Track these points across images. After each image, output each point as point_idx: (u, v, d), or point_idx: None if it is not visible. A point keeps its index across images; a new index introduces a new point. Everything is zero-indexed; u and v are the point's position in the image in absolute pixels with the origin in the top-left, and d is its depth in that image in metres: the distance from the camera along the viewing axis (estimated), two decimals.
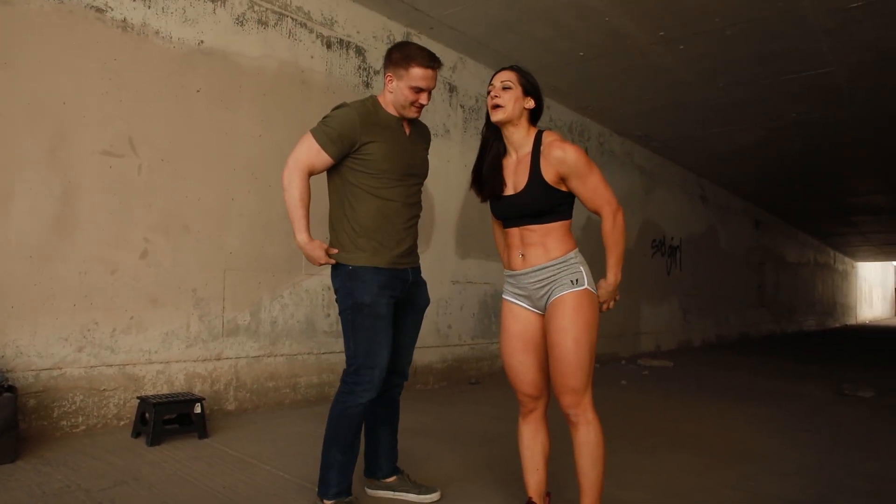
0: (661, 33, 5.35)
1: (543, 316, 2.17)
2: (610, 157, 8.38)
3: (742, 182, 11.90)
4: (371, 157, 2.38)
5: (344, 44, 4.78)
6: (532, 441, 2.25)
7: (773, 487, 2.89)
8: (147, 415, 3.28)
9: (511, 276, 2.23)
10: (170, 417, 3.35)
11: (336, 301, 2.45)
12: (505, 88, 2.14)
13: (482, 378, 5.92)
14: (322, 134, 2.34)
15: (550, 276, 2.12)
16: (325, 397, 4.50)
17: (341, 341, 4.60)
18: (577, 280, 2.10)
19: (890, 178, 11.03)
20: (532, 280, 2.15)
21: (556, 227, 2.15)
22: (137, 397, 3.45)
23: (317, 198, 2.51)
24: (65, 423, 3.27)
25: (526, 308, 2.20)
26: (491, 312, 6.16)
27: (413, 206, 2.52)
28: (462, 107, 5.91)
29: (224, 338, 3.98)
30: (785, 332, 16.94)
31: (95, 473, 2.71)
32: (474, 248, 5.97)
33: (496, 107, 2.14)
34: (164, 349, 3.70)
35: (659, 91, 6.82)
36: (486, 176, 2.23)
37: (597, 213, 2.18)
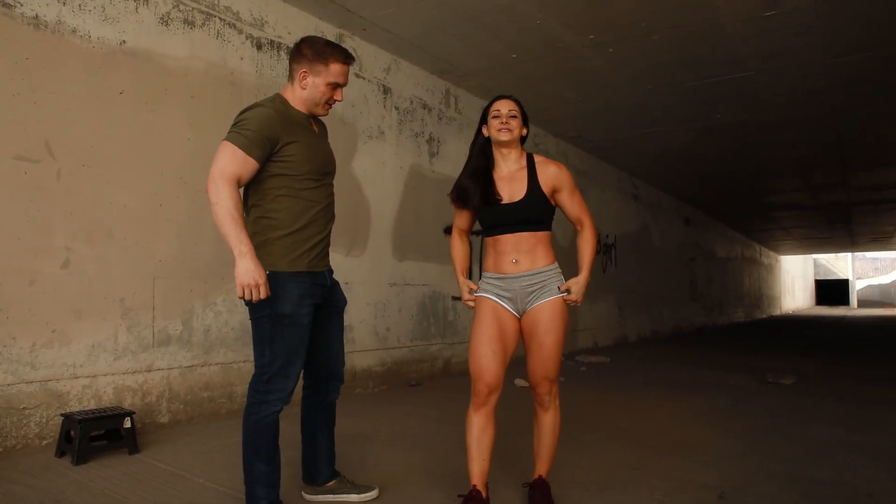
0: (591, 37, 5.49)
1: (519, 319, 2.46)
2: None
3: (672, 181, 12.35)
4: (293, 157, 2.30)
5: (275, 45, 4.70)
6: (481, 434, 2.41)
7: (698, 476, 3.02)
8: (72, 432, 3.13)
9: (499, 278, 2.45)
10: (97, 434, 3.21)
11: (246, 304, 2.27)
12: (512, 117, 2.46)
13: (423, 380, 5.93)
14: (243, 139, 2.21)
15: (541, 281, 2.43)
16: None
17: None
18: (560, 287, 2.46)
19: (807, 176, 11.68)
20: (524, 283, 2.42)
21: (545, 236, 2.49)
22: (61, 414, 3.29)
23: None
24: None
25: (506, 308, 2.44)
26: (430, 314, 6.18)
27: (331, 205, 2.50)
28: (397, 109, 5.91)
29: (155, 348, 3.85)
30: (716, 325, 17.67)
31: (14, 498, 2.58)
32: (411, 250, 5.98)
33: (505, 130, 2.44)
34: (89, 363, 3.54)
35: (591, 93, 7.00)
36: (477, 185, 2.47)
37: (578, 223, 2.58)
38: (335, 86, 2.38)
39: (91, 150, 3.58)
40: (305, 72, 2.35)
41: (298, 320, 2.30)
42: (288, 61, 2.47)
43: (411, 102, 6.09)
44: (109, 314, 3.64)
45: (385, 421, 4.15)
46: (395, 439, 3.67)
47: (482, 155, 2.53)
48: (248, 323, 4.39)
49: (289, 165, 2.31)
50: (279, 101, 2.37)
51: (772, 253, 29.14)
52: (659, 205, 13.26)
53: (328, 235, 2.48)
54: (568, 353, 8.74)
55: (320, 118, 2.54)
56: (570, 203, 2.53)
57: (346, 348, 5.03)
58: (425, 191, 6.20)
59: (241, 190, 2.30)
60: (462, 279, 2.60)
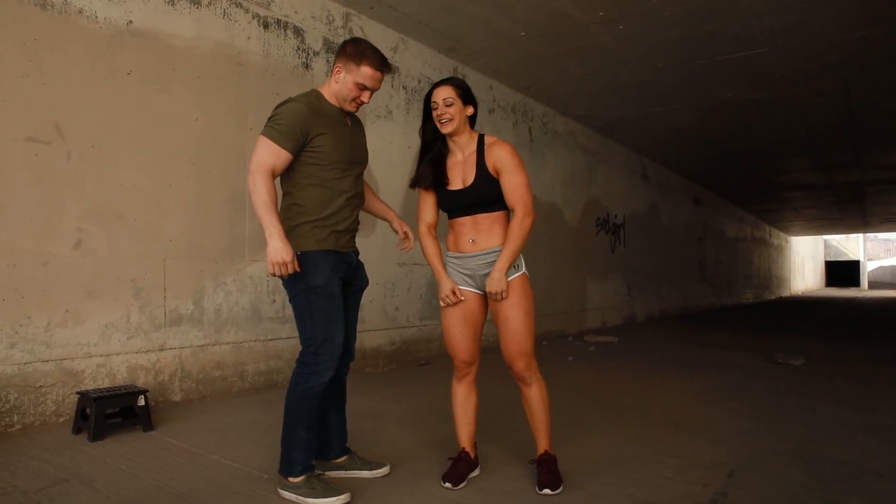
0: (601, 13, 5.42)
1: (482, 295, 2.57)
2: (553, 136, 8.48)
3: (681, 160, 12.26)
4: (322, 149, 2.45)
5: (282, 24, 4.67)
6: (465, 401, 2.63)
7: (706, 453, 3.04)
8: (88, 410, 3.19)
9: (459, 257, 2.57)
10: (112, 411, 3.26)
11: (284, 286, 2.48)
12: (448, 105, 2.48)
13: (432, 359, 5.97)
14: (275, 132, 2.36)
15: (496, 260, 2.48)
16: (273, 384, 4.47)
17: (288, 327, 4.58)
18: (517, 265, 2.53)
19: (819, 155, 11.56)
20: (481, 262, 2.52)
21: (502, 216, 2.55)
22: (77, 392, 3.35)
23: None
24: None
25: (467, 289, 2.57)
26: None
27: (359, 194, 2.64)
28: (405, 88, 5.88)
29: (167, 328, 3.89)
30: (724, 305, 17.63)
31: (33, 473, 2.63)
32: None
33: (444, 121, 2.49)
34: (103, 342, 3.59)
35: (600, 71, 6.93)
36: (430, 170, 2.58)
37: (512, 209, 2.52)
38: (363, 87, 2.49)
39: (100, 131, 3.59)
40: (340, 67, 2.48)
41: (331, 290, 2.44)
42: (300, 42, 2.55)
43: (419, 82, 6.05)
44: (121, 294, 3.67)
45: (394, 399, 4.18)
46: (405, 417, 3.70)
47: (436, 141, 2.60)
48: (259, 303, 4.45)
49: (318, 156, 2.45)
50: (313, 96, 2.50)
51: (782, 234, 28.95)
52: (668, 184, 13.18)
53: (355, 221, 2.62)
54: (576, 332, 8.76)
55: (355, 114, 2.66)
56: (508, 185, 2.49)
57: (359, 327, 5.09)
58: None
59: (277, 179, 2.46)
60: (444, 278, 2.58)
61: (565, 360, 6.25)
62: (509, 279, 2.48)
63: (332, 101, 2.53)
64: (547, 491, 2.45)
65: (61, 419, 3.37)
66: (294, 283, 2.42)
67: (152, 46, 3.86)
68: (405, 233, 2.83)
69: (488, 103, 7.09)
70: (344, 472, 2.66)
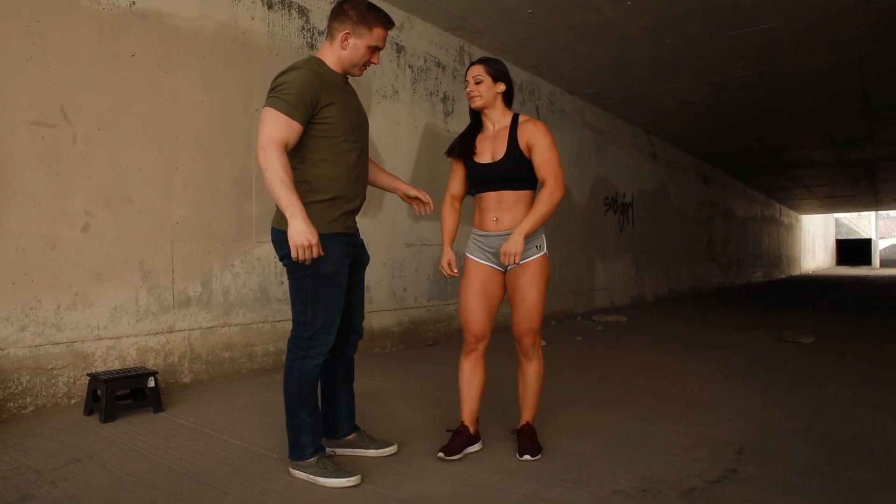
0: None
1: (503, 273, 2.65)
2: (561, 115, 8.41)
3: (690, 138, 12.13)
4: (331, 119, 2.34)
5: (286, 4, 4.62)
6: (471, 376, 2.69)
7: (715, 431, 3.03)
8: (99, 391, 3.21)
9: (483, 235, 2.64)
10: (123, 393, 3.29)
11: (287, 264, 2.37)
12: (478, 83, 2.60)
13: (440, 339, 5.98)
14: (284, 103, 2.22)
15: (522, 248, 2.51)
16: (282, 365, 4.47)
17: None
18: (540, 246, 2.62)
19: (831, 132, 11.40)
20: (504, 241, 2.55)
21: (526, 195, 2.61)
22: (88, 374, 3.37)
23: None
24: (11, 404, 3.18)
25: (489, 265, 2.65)
26: None
27: (366, 167, 2.56)
28: (410, 67, 5.82)
29: (175, 310, 3.91)
30: (733, 285, 17.56)
31: (46, 453, 2.66)
32: None
33: (473, 97, 2.61)
34: (112, 324, 3.61)
35: (607, 47, 6.83)
36: (461, 142, 2.70)
37: (543, 181, 2.56)
38: (375, 49, 2.43)
39: (106, 113, 3.58)
40: (348, 33, 2.37)
41: (340, 279, 2.39)
42: (328, 21, 2.47)
43: (425, 61, 5.99)
44: (130, 277, 3.69)
45: (402, 379, 4.20)
46: (413, 397, 3.72)
47: (474, 116, 2.72)
48: (266, 284, 4.46)
49: (327, 128, 2.34)
50: (315, 63, 2.37)
51: (792, 212, 28.71)
52: (677, 163, 13.06)
53: (363, 198, 2.54)
54: (585, 312, 8.75)
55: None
56: (540, 159, 2.56)
57: (368, 308, 5.09)
58: (440, 150, 6.11)
59: None
60: (447, 249, 2.71)
61: (573, 340, 6.25)
62: (532, 258, 2.58)
63: (336, 67, 2.42)
64: (527, 457, 2.58)
65: (73, 401, 3.40)
66: (300, 266, 2.30)
67: (156, 28, 3.82)
68: (417, 197, 2.75)
69: None
70: (352, 449, 2.67)
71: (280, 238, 2.38)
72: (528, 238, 2.53)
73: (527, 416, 2.72)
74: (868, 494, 2.25)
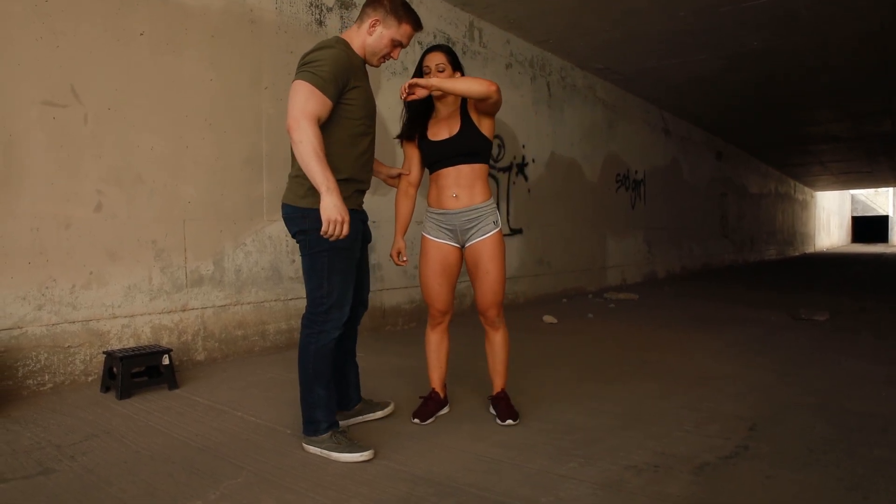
0: None
1: (461, 249, 2.76)
2: (572, 91, 8.31)
3: (703, 113, 11.96)
4: (354, 102, 2.37)
5: None
6: (438, 346, 2.88)
7: (728, 407, 3.03)
8: (115, 369, 3.26)
9: (441, 213, 2.72)
10: (138, 370, 3.33)
11: (301, 240, 2.41)
12: (441, 70, 2.64)
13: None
14: (318, 78, 2.22)
15: (478, 216, 2.68)
16: (295, 343, 4.52)
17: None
18: (496, 221, 2.73)
19: (847, 106, 11.19)
20: (463, 219, 2.69)
21: (482, 170, 2.71)
22: (104, 352, 3.42)
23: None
24: (31, 381, 3.23)
25: (447, 243, 2.75)
26: None
27: (373, 153, 2.60)
28: (420, 43, 5.75)
29: (188, 288, 3.94)
30: (747, 262, 17.43)
31: (65, 429, 2.71)
32: None
33: None
34: (127, 303, 3.64)
35: (618, 21, 6.72)
36: (414, 123, 2.75)
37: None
38: (398, 44, 2.47)
39: (115, 93, 3.58)
40: (377, 20, 2.41)
41: (354, 254, 2.46)
42: (362, 5, 2.50)
43: (434, 36, 5.92)
44: (143, 256, 3.71)
45: (414, 356, 4.21)
46: (423, 373, 3.72)
47: (423, 101, 2.70)
48: (278, 262, 4.47)
49: (349, 109, 2.37)
50: (343, 44, 2.39)
51: (807, 189, 28.35)
52: (689, 138, 12.91)
53: (369, 180, 2.62)
54: (596, 290, 8.74)
55: None
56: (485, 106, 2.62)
57: (376, 286, 5.10)
58: None
59: None
60: (399, 238, 2.84)
61: (585, 317, 6.24)
62: (489, 234, 2.68)
63: (359, 52, 2.45)
64: (510, 421, 2.73)
65: (90, 378, 3.45)
66: (317, 241, 2.32)
67: (164, 6, 3.80)
68: (399, 174, 2.85)
69: (505, 58, 6.94)
70: (361, 416, 2.80)
71: (294, 214, 2.40)
72: (485, 214, 2.68)
73: (500, 383, 2.87)
74: (882, 470, 2.25)
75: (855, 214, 45.80)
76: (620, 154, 9.74)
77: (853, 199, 44.81)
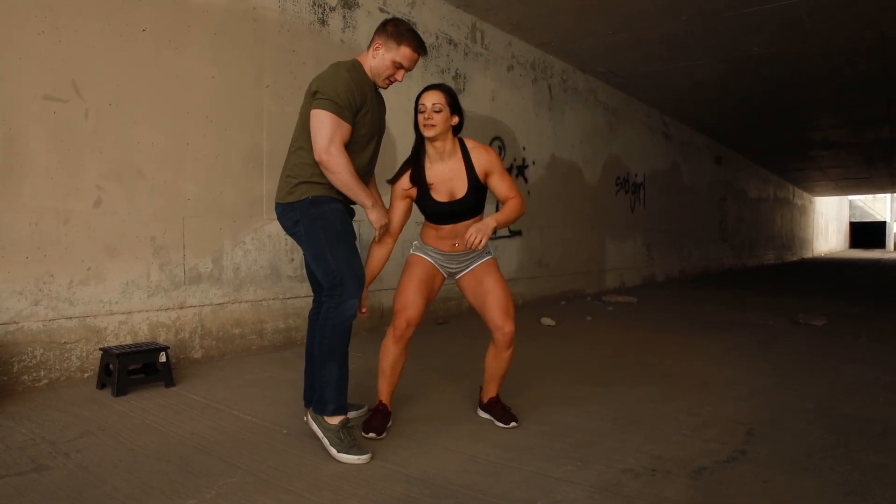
0: None
1: (444, 278, 2.79)
2: (574, 94, 8.31)
3: (704, 118, 11.97)
4: (360, 122, 2.52)
5: None
6: (396, 361, 2.71)
7: (726, 411, 3.02)
8: (111, 365, 3.24)
9: (439, 253, 2.71)
10: (135, 367, 3.32)
11: (297, 232, 2.54)
12: (437, 111, 2.51)
13: (450, 318, 5.99)
14: (336, 106, 2.39)
15: (475, 255, 2.74)
16: (292, 342, 4.52)
17: (307, 286, 4.61)
18: (489, 251, 2.80)
19: (848, 112, 11.20)
20: (463, 259, 2.73)
21: (481, 217, 2.70)
22: (100, 348, 3.41)
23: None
24: (26, 377, 3.22)
25: (434, 264, 2.74)
26: None
27: (370, 171, 2.72)
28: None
29: (186, 286, 3.93)
30: (745, 266, 17.44)
31: (60, 425, 2.70)
32: None
33: (428, 125, 2.52)
34: (124, 299, 3.63)
35: (621, 25, 6.72)
36: (411, 171, 2.64)
37: (507, 200, 2.65)
38: (399, 66, 2.57)
39: (117, 89, 3.57)
40: (380, 45, 2.55)
41: (348, 229, 2.56)
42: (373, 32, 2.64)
43: (437, 38, 5.92)
44: (141, 252, 3.70)
45: (412, 357, 4.19)
46: (422, 375, 3.73)
47: (420, 143, 2.64)
48: (277, 261, 4.46)
49: (355, 128, 2.50)
50: (357, 69, 2.54)
51: (805, 194, 28.38)
52: (690, 142, 12.91)
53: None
54: (595, 292, 8.73)
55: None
56: (500, 185, 2.65)
57: (375, 286, 5.09)
58: None
59: (296, 130, 2.58)
60: (364, 290, 2.59)
61: (584, 320, 6.24)
62: (483, 260, 2.73)
63: (369, 74, 2.59)
64: (514, 424, 2.73)
65: (86, 374, 3.44)
66: (310, 224, 2.47)
67: (167, 3, 3.79)
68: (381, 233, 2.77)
69: (507, 60, 6.93)
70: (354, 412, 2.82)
71: (288, 211, 2.54)
72: (482, 252, 2.74)
73: (495, 390, 2.85)
74: (880, 475, 2.24)
75: (853, 220, 45.84)
76: (621, 157, 9.74)
77: (851, 205, 44.83)
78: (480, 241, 2.45)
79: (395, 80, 2.61)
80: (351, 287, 2.45)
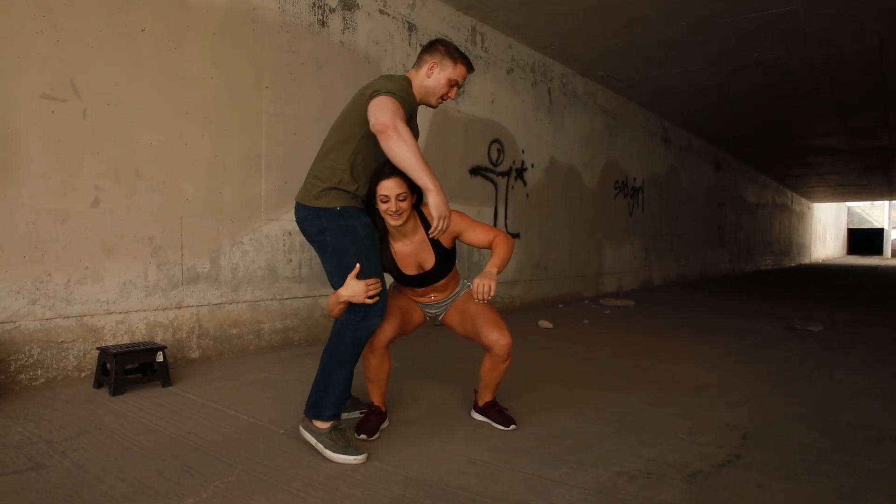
0: None
1: (424, 317, 2.84)
2: (573, 97, 8.33)
3: (703, 123, 11.99)
4: None
5: None
6: (379, 367, 2.69)
7: (721, 416, 3.03)
8: (108, 365, 3.24)
9: (418, 302, 2.78)
10: (132, 367, 3.32)
11: (321, 241, 2.48)
12: (401, 200, 2.44)
13: None
14: (401, 98, 2.39)
15: (451, 301, 2.80)
16: (290, 343, 4.52)
17: (304, 286, 4.62)
18: (465, 283, 2.86)
19: (847, 120, 11.23)
20: (441, 307, 2.80)
21: (454, 272, 2.75)
22: (97, 348, 3.41)
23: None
24: (23, 376, 3.21)
25: (419, 306, 2.81)
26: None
27: None
28: (422, 46, 5.76)
29: (184, 286, 3.93)
30: (743, 271, 17.46)
31: (57, 424, 2.69)
32: None
33: (397, 216, 2.47)
34: (122, 299, 3.63)
35: (621, 29, 6.74)
36: (388, 261, 2.64)
37: (492, 243, 2.60)
38: (454, 84, 2.63)
39: (116, 88, 3.57)
40: (435, 64, 2.60)
41: (376, 241, 2.53)
42: (419, 54, 2.67)
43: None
44: (139, 252, 3.70)
45: (409, 359, 4.21)
46: (417, 376, 3.73)
47: (381, 223, 2.58)
48: (275, 262, 4.46)
49: None
50: (410, 83, 2.58)
51: (804, 200, 28.42)
52: (689, 147, 12.94)
53: None
54: (592, 296, 8.74)
55: None
56: (476, 237, 2.62)
57: None
58: (451, 131, 6.12)
59: (330, 133, 2.57)
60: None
61: (581, 323, 6.24)
62: (461, 292, 2.79)
63: (417, 92, 2.61)
64: (513, 426, 2.75)
65: (83, 374, 3.44)
66: (341, 236, 2.42)
67: (167, 3, 3.79)
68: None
69: (507, 63, 6.95)
70: (347, 414, 2.81)
71: (309, 215, 2.49)
72: (456, 297, 2.79)
73: (492, 395, 2.85)
74: (874, 482, 2.25)
75: (851, 226, 45.92)
76: (620, 161, 9.75)
77: (849, 211, 44.92)
78: (490, 290, 2.39)
79: (448, 98, 2.67)
80: (379, 307, 2.45)
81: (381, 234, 2.59)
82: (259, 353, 4.29)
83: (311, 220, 2.49)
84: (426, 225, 2.58)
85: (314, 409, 2.45)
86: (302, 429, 2.47)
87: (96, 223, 3.51)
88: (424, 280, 2.66)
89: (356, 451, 2.37)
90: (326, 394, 2.44)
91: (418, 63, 2.64)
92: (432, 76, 2.60)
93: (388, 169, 2.41)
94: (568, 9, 6.14)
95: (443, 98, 2.65)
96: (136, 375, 3.32)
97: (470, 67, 2.66)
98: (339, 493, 2.07)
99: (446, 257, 2.65)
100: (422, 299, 2.77)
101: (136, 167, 3.68)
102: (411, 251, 2.62)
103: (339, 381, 2.45)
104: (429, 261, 2.63)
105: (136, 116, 3.67)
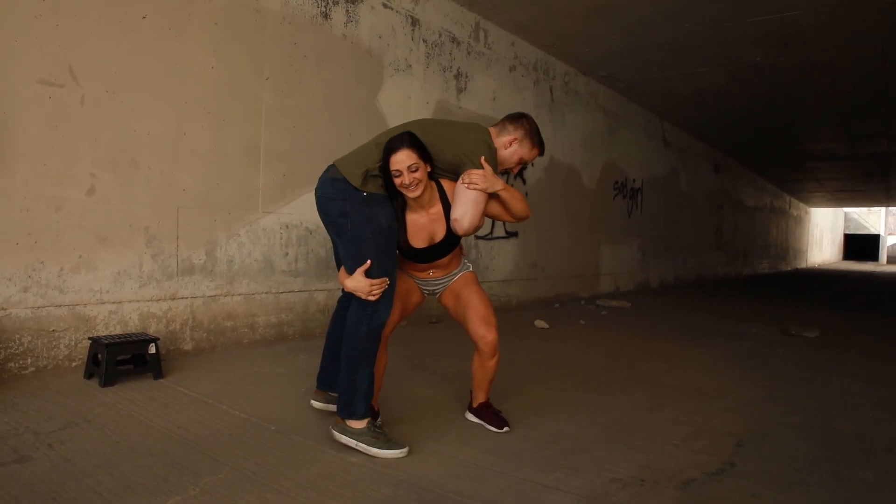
0: None
1: (422, 295, 2.81)
2: (574, 97, 8.29)
3: (704, 126, 11.97)
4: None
5: None
6: (377, 361, 2.60)
7: (716, 422, 3.01)
8: (99, 355, 3.21)
9: (414, 277, 2.74)
10: (124, 358, 3.29)
11: (341, 224, 2.47)
12: (414, 171, 2.38)
13: (443, 318, 5.97)
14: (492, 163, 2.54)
15: (451, 275, 2.77)
16: (284, 336, 4.49)
17: (301, 281, 4.58)
18: (467, 265, 2.84)
19: (846, 126, 11.23)
20: (439, 283, 2.77)
21: (458, 249, 2.73)
22: (89, 338, 3.37)
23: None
24: (12, 364, 3.18)
25: (416, 284, 2.79)
26: None
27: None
28: (425, 41, 5.73)
29: (179, 277, 3.90)
30: (739, 275, 17.48)
31: (45, 415, 2.66)
32: None
33: (413, 187, 2.40)
34: (115, 289, 3.60)
35: (624, 30, 6.70)
36: (402, 239, 2.59)
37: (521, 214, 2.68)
38: (523, 162, 2.76)
39: (115, 76, 3.53)
40: (516, 139, 2.68)
41: (394, 234, 2.54)
42: (507, 116, 2.75)
43: (440, 35, 5.89)
44: (134, 242, 3.67)
45: (405, 357, 4.19)
46: (411, 375, 3.71)
47: (398, 196, 2.52)
48: (271, 255, 4.43)
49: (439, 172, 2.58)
50: (491, 140, 2.64)
51: (801, 204, 28.46)
52: (689, 150, 12.92)
53: None
54: (589, 296, 8.73)
55: None
56: (498, 207, 2.63)
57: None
58: None
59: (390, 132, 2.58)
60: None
61: (577, 323, 6.23)
62: (460, 273, 2.77)
63: None
64: (506, 429, 2.74)
65: (74, 364, 3.41)
66: (362, 223, 2.42)
67: None
68: None
69: (509, 60, 6.91)
70: (321, 404, 2.83)
71: (336, 192, 2.46)
72: (458, 272, 2.77)
73: (485, 396, 2.83)
74: (867, 493, 2.24)
75: (847, 232, 46.01)
76: (619, 162, 9.73)
77: (846, 217, 45.00)
78: (481, 179, 2.43)
79: (510, 172, 2.80)
80: (388, 299, 2.47)
81: (399, 209, 2.54)
82: (253, 346, 4.27)
83: (334, 200, 2.47)
84: (445, 200, 2.56)
85: (347, 408, 2.44)
86: (337, 433, 2.44)
87: (91, 211, 3.47)
88: (432, 253, 2.62)
89: (399, 445, 2.39)
90: (356, 391, 2.43)
91: (502, 128, 2.69)
92: (509, 149, 2.67)
93: (397, 142, 2.40)
94: (572, 8, 6.10)
95: (506, 169, 2.76)
96: (128, 367, 3.30)
97: (543, 152, 2.77)
98: (328, 494, 2.05)
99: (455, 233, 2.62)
100: (421, 275, 2.73)
101: (134, 156, 3.64)
102: (426, 222, 2.58)
103: (365, 376, 2.46)
104: (440, 232, 2.59)
105: (135, 105, 3.63)
